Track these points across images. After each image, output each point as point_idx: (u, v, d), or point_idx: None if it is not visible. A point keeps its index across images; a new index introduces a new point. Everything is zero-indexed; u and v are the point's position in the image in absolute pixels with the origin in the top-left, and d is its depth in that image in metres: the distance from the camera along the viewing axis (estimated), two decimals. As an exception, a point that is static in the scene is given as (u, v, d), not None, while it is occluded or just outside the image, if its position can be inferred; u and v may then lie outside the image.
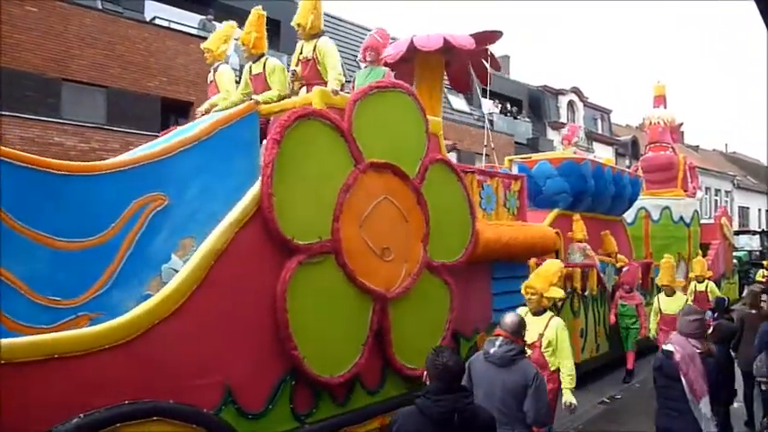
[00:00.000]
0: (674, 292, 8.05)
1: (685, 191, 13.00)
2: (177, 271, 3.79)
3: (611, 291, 9.09)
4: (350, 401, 4.54)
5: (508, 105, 24.60)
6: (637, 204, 11.54)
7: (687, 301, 7.94)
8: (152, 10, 14.69)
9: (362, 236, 4.58)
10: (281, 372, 4.05)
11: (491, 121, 23.25)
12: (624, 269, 8.90)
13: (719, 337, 5.72)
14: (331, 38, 5.66)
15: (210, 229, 3.83)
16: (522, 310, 4.53)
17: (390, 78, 5.61)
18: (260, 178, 3.97)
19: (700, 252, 12.59)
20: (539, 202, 8.66)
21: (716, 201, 33.38)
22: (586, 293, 8.35)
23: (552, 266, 4.65)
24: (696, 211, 12.77)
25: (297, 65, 5.32)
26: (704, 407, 3.60)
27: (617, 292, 8.86)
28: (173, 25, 14.38)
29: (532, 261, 6.89)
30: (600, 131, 28.78)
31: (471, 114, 22.59)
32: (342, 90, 4.87)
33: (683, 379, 3.63)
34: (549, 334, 4.65)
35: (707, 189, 32.81)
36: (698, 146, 39.24)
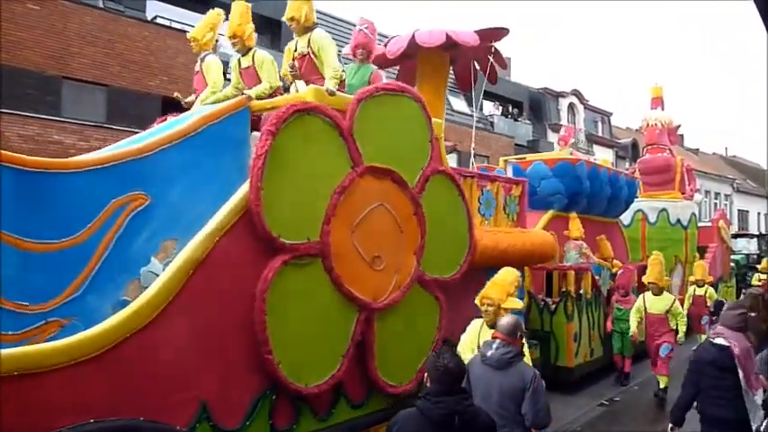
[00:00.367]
0: (662, 291, 7.58)
1: (683, 193, 12.77)
2: (157, 275, 3.62)
3: (606, 294, 8.86)
4: (332, 416, 4.33)
5: (509, 107, 24.40)
6: (633, 206, 11.35)
7: (674, 301, 7.56)
8: (153, 9, 14.59)
9: (353, 241, 4.38)
10: (260, 386, 3.85)
11: (491, 123, 23.11)
12: (619, 272, 8.66)
13: None
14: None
15: (195, 231, 3.64)
16: (476, 323, 4.28)
17: (379, 76, 5.41)
18: (249, 177, 3.78)
19: (697, 255, 12.37)
20: (533, 204, 8.43)
21: (715, 204, 33.04)
22: (581, 294, 8.12)
23: (509, 275, 4.29)
24: (693, 213, 12.54)
25: (293, 60, 5.06)
26: (758, 398, 3.80)
27: (613, 296, 8.61)
28: (174, 24, 14.26)
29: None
30: (600, 134, 28.55)
31: (472, 116, 22.36)
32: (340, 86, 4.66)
33: (740, 371, 3.75)
34: None
35: (706, 192, 32.52)
36: (698, 149, 38.91)
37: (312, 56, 4.94)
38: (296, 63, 5.01)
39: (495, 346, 3.45)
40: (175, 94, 5.63)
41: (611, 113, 30.02)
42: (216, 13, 5.28)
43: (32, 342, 3.22)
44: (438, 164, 5.23)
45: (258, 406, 3.83)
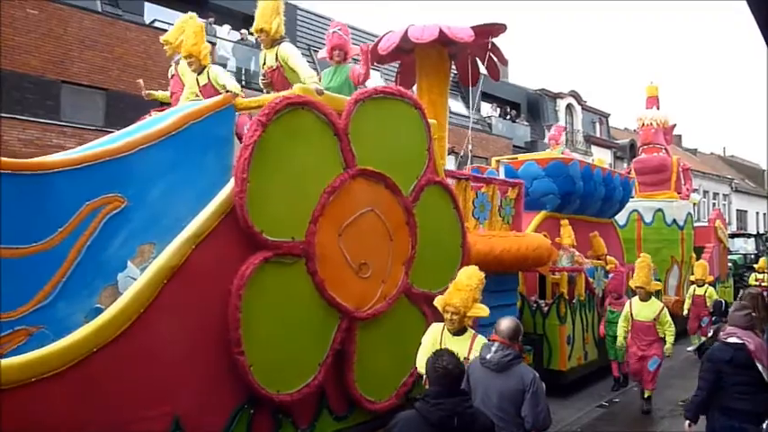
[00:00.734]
0: (650, 297, 6.87)
1: (679, 193, 12.53)
2: (135, 279, 3.45)
3: (600, 295, 8.62)
4: (315, 429, 4.12)
5: (507, 109, 24.17)
6: (629, 206, 11.14)
7: (662, 309, 6.78)
8: (151, 13, 14.48)
9: (340, 245, 4.18)
10: (238, 399, 3.65)
11: (489, 125, 22.90)
12: (610, 276, 8.39)
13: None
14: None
15: (174, 234, 3.47)
16: (437, 327, 3.96)
17: (356, 73, 5.23)
18: (234, 169, 3.61)
19: (694, 255, 12.13)
20: (526, 204, 8.18)
21: (714, 204, 32.68)
22: (574, 301, 7.88)
23: (473, 279, 3.82)
24: (690, 213, 12.30)
25: (265, 75, 4.94)
26: None
27: (606, 300, 8.28)
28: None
29: None
30: (598, 135, 28.28)
31: (469, 117, 22.13)
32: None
33: (759, 366, 3.94)
34: (474, 355, 3.82)
35: (705, 192, 32.20)
36: (696, 149, 38.57)
37: (282, 69, 4.80)
38: (268, 77, 4.89)
39: (494, 348, 3.37)
40: (139, 83, 5.51)
41: (609, 114, 29.77)
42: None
43: (-1, 352, 3.06)
44: (434, 174, 5.04)
45: (235, 421, 3.64)
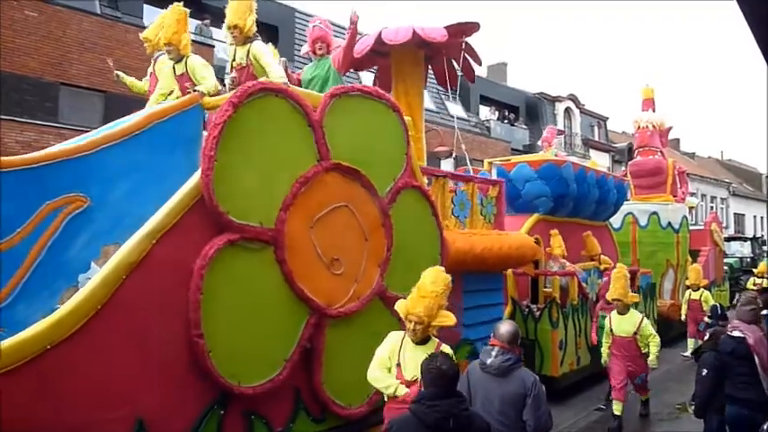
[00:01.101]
0: (628, 309, 6.25)
1: (674, 196, 12.23)
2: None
3: (594, 299, 8.31)
4: (291, 431, 3.89)
5: (506, 112, 23.94)
6: (624, 209, 10.83)
7: (642, 320, 6.18)
8: (150, 15, 14.28)
9: (311, 238, 3.98)
10: (206, 400, 3.43)
11: (488, 128, 22.66)
12: (603, 279, 8.08)
13: (715, 345, 5.24)
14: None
15: None
16: (396, 336, 3.53)
17: (337, 59, 5.04)
18: (203, 147, 3.43)
19: (689, 259, 11.82)
20: (518, 207, 7.97)
21: (711, 207, 32.31)
22: (566, 307, 7.56)
23: (438, 284, 3.39)
24: (685, 216, 11.98)
25: (232, 71, 4.73)
26: None
27: (598, 304, 7.80)
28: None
29: None
30: (596, 138, 27.98)
31: (469, 120, 21.95)
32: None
33: (756, 358, 4.12)
34: None
35: (703, 196, 31.83)
36: (694, 153, 38.19)
37: (252, 68, 4.59)
38: (235, 76, 4.66)
39: (494, 353, 3.28)
40: (109, 63, 5.32)
41: (608, 118, 29.45)
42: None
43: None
44: (412, 179, 4.86)
45: (204, 422, 3.42)
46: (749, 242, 20.43)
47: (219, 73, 5.46)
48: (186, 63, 4.63)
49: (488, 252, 5.56)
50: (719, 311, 8.32)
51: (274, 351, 3.73)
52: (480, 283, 5.85)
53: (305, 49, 5.47)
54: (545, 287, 7.84)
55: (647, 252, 11.19)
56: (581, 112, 26.78)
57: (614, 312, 6.34)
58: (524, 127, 24.20)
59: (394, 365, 3.35)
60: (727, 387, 4.35)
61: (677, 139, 35.21)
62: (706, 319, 9.36)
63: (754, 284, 12.60)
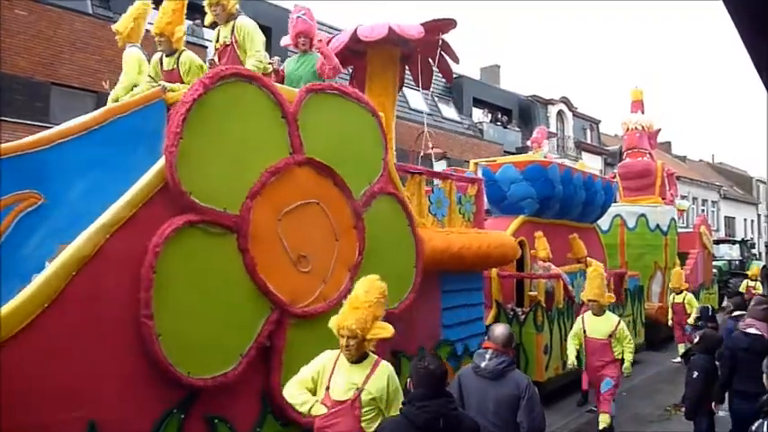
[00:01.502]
0: (604, 311, 5.78)
1: (663, 198, 12.02)
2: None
3: (580, 303, 8.06)
4: (260, 435, 3.63)
5: (498, 115, 23.75)
6: (612, 211, 10.64)
7: (618, 323, 5.71)
8: (142, 16, 14.09)
9: (278, 231, 3.78)
10: (166, 403, 3.21)
11: (481, 130, 22.47)
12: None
13: (705, 347, 5.16)
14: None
15: None
16: (330, 355, 3.04)
17: (324, 67, 4.81)
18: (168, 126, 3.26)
19: (678, 262, 11.61)
20: (503, 209, 7.76)
21: (702, 211, 32.14)
22: (552, 311, 7.33)
23: (372, 293, 2.99)
24: (673, 218, 11.77)
25: (214, 54, 4.48)
26: None
27: (583, 307, 7.38)
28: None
29: None
30: (589, 141, 27.82)
31: (461, 123, 21.75)
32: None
33: None
34: (375, 386, 2.88)
35: (694, 199, 31.65)
36: (685, 156, 38.01)
37: (236, 45, 4.33)
38: (214, 59, 4.42)
39: (488, 356, 3.26)
40: (104, 84, 5.05)
41: (600, 121, 29.29)
42: (142, 3, 4.68)
43: None
44: (389, 185, 4.68)
45: (163, 427, 3.21)
46: (738, 245, 20.22)
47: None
48: (179, 59, 4.36)
49: (467, 251, 5.34)
50: (709, 313, 8.16)
51: (230, 344, 3.47)
52: (459, 282, 5.66)
53: (285, 41, 5.19)
54: (530, 290, 7.62)
55: (635, 254, 11.01)
56: (573, 114, 26.62)
57: (588, 313, 5.91)
58: (517, 129, 24.01)
59: (322, 389, 2.93)
60: (739, 383, 4.43)
61: (669, 143, 35.06)
62: (691, 320, 9.25)
63: (746, 288, 12.42)
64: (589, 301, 5.86)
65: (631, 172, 12.02)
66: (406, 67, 6.33)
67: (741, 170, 42.46)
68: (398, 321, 4.45)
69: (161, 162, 3.28)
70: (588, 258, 8.25)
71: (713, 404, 4.83)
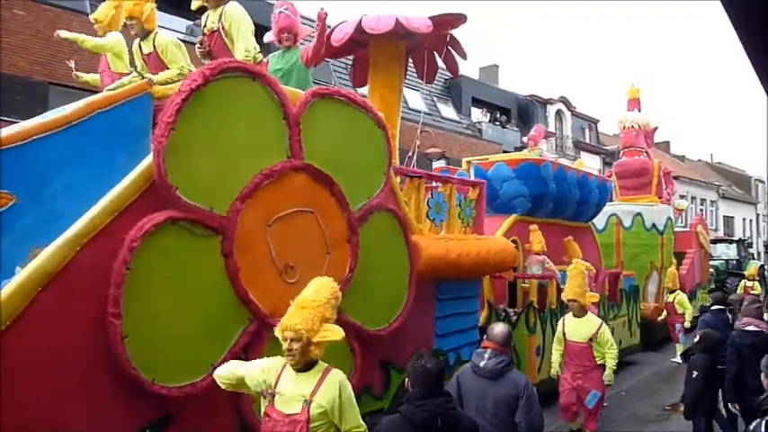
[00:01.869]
0: (585, 313, 5.34)
1: (660, 197, 11.82)
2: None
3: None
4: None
5: (497, 114, 23.54)
6: (607, 211, 10.44)
7: (600, 326, 5.24)
8: (140, 15, 13.98)
9: (266, 237, 3.58)
10: (142, 420, 3.03)
11: (479, 130, 22.26)
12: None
13: (704, 347, 5.06)
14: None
15: None
16: (276, 361, 2.69)
17: (305, 52, 4.61)
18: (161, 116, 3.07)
19: (674, 261, 11.40)
20: (495, 208, 7.55)
21: (701, 210, 31.84)
22: (544, 311, 7.13)
23: (322, 293, 2.67)
24: (670, 218, 11.58)
25: (203, 36, 4.32)
26: None
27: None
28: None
29: None
30: (587, 141, 27.59)
31: (461, 122, 21.55)
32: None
33: None
34: (324, 397, 2.53)
35: (692, 199, 31.37)
36: (684, 156, 37.71)
37: (223, 32, 4.15)
38: (204, 40, 4.24)
39: (486, 356, 3.24)
40: (69, 63, 4.92)
41: (599, 120, 29.07)
42: None
43: None
44: (389, 202, 4.46)
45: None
46: (735, 244, 19.95)
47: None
48: (154, 41, 4.21)
49: (465, 258, 5.09)
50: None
51: (201, 353, 3.23)
52: (455, 290, 5.39)
53: (268, 37, 5.01)
54: (523, 283, 7.41)
55: (630, 254, 10.82)
56: (572, 114, 26.40)
57: (569, 315, 5.44)
58: (516, 129, 23.80)
59: (267, 402, 2.60)
60: (752, 379, 4.42)
61: (667, 142, 34.77)
62: (687, 317, 9.19)
63: (744, 288, 12.20)
64: (569, 300, 5.38)
65: (628, 170, 11.82)
66: (410, 61, 6.07)
67: (740, 170, 42.11)
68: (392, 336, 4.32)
69: (144, 163, 3.09)
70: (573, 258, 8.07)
71: (729, 404, 4.81)
